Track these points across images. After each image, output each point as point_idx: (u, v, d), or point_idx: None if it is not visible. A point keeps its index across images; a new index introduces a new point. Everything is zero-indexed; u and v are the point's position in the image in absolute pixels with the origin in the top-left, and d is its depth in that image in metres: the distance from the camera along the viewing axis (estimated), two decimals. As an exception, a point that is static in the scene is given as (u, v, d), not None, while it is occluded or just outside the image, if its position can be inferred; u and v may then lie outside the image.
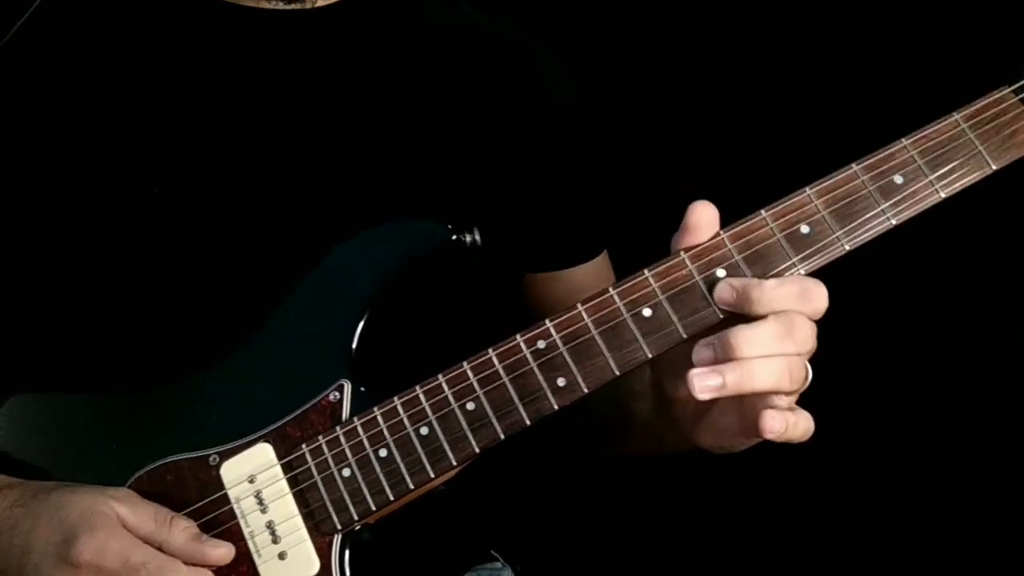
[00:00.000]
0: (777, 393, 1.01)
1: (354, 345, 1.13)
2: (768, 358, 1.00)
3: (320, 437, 1.11)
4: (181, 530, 1.07)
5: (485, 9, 1.42)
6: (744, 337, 1.00)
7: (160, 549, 1.06)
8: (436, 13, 1.37)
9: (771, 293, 1.02)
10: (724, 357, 1.01)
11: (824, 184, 1.07)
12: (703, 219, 1.06)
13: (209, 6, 1.27)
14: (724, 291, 1.04)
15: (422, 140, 1.30)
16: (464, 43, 1.36)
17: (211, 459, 1.12)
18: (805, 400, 1.03)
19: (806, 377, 1.03)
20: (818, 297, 1.02)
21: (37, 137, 1.24)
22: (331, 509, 1.10)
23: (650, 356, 1.07)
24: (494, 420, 1.08)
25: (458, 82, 1.33)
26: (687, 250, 1.07)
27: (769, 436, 1.02)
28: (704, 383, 1.00)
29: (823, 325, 1.04)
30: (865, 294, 1.72)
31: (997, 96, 1.07)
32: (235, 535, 1.11)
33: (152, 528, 1.06)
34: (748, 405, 1.04)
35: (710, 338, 1.03)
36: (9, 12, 1.24)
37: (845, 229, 1.06)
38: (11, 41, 1.23)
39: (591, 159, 1.42)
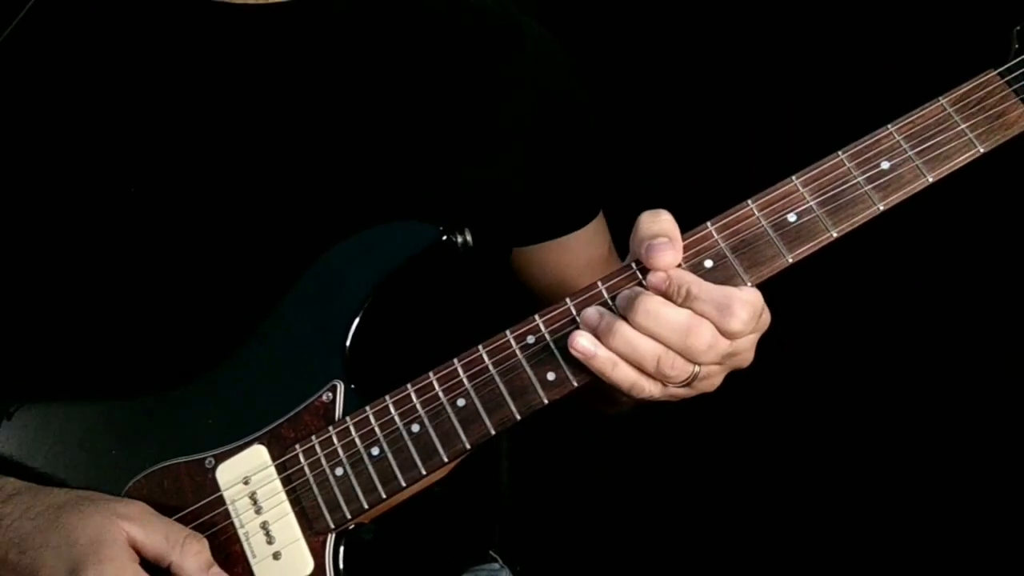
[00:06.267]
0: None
1: (347, 346, 1.14)
2: (646, 339, 1.03)
3: (313, 437, 1.11)
4: (193, 555, 1.07)
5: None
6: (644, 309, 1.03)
7: (169, 568, 1.07)
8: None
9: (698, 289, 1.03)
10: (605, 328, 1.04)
11: (810, 172, 1.07)
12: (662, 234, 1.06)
13: (191, 4, 1.26)
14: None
15: (409, 132, 1.27)
16: (453, 25, 1.33)
17: (207, 462, 1.13)
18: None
19: (688, 377, 1.05)
20: (734, 316, 1.02)
21: (29, 140, 1.24)
22: (324, 508, 1.10)
23: None
24: (484, 416, 1.09)
25: (447, 68, 1.30)
26: (676, 242, 1.07)
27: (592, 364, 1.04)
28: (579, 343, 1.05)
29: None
30: (864, 289, 1.72)
31: (983, 80, 1.07)
32: (230, 536, 1.11)
33: (164, 549, 1.06)
34: None
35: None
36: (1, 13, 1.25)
37: (833, 217, 1.06)
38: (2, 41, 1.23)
39: (582, 135, 1.38)
